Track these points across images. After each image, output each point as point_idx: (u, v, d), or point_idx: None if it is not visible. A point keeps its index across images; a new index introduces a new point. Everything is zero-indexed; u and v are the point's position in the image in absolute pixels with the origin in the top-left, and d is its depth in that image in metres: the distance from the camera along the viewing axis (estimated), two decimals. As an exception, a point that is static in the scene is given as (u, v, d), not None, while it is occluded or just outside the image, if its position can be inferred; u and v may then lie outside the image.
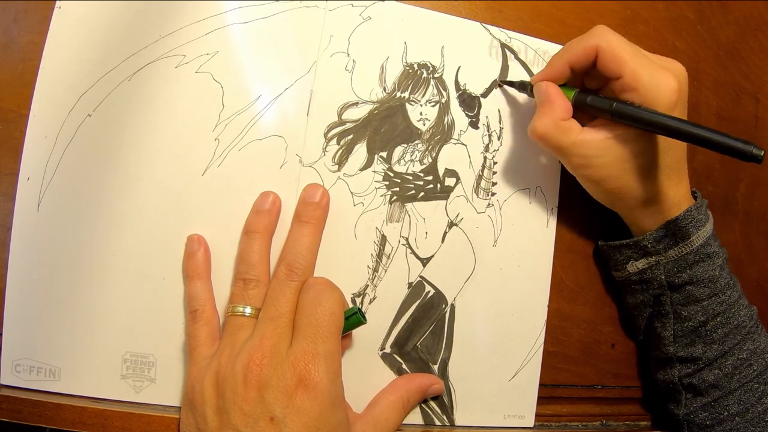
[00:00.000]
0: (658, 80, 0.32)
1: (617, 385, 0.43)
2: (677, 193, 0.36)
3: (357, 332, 0.36)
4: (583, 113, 0.35)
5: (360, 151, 0.37)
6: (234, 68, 0.36)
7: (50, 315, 0.34)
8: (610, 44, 0.33)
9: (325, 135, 0.37)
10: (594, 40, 0.34)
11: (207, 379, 0.30)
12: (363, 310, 0.36)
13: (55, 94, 0.34)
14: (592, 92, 0.36)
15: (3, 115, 0.34)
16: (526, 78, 0.40)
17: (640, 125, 0.32)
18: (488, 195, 0.39)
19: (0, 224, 0.34)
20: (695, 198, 0.38)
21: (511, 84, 0.39)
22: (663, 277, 0.37)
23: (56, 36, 0.34)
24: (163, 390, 0.34)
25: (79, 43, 0.34)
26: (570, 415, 0.41)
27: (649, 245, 0.37)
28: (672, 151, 0.35)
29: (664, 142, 0.34)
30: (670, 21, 0.46)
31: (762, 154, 0.28)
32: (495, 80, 0.40)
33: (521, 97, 0.40)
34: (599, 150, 0.34)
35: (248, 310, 0.33)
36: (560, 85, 0.36)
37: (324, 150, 0.37)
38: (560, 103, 0.34)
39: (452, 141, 0.39)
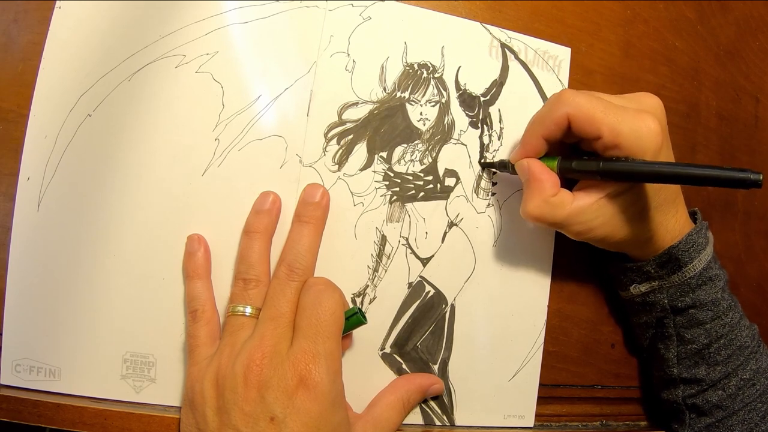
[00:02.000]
0: (638, 129, 0.32)
1: (617, 385, 0.43)
2: (675, 225, 0.36)
3: (357, 332, 0.36)
4: (571, 177, 0.35)
5: (360, 151, 0.37)
6: (234, 68, 0.36)
7: (50, 315, 0.34)
8: (581, 108, 0.32)
9: (325, 135, 0.37)
10: (563, 108, 0.33)
11: (207, 379, 0.30)
12: (363, 310, 0.37)
13: (55, 94, 0.34)
14: (575, 152, 0.35)
15: (3, 115, 0.34)
16: (527, 82, 0.40)
17: (632, 179, 0.32)
18: (488, 195, 0.39)
19: (0, 224, 0.34)
20: (695, 220, 0.38)
21: (491, 165, 0.39)
22: (666, 301, 0.37)
23: (56, 36, 0.34)
24: (163, 390, 0.34)
25: (79, 43, 0.34)
26: (570, 415, 0.41)
27: (652, 270, 0.37)
28: (664, 189, 0.35)
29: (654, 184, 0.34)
30: (670, 21, 0.46)
31: (761, 178, 0.28)
32: (495, 80, 0.40)
33: (521, 97, 0.40)
34: (595, 212, 0.34)
35: (248, 310, 0.33)
36: (541, 157, 0.35)
37: (324, 150, 0.37)
38: (547, 178, 0.34)
39: (452, 141, 0.39)
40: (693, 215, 0.38)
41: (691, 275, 0.36)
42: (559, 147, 0.36)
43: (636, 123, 0.32)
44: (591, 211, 0.34)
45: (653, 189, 0.34)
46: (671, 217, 0.36)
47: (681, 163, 0.30)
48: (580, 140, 0.35)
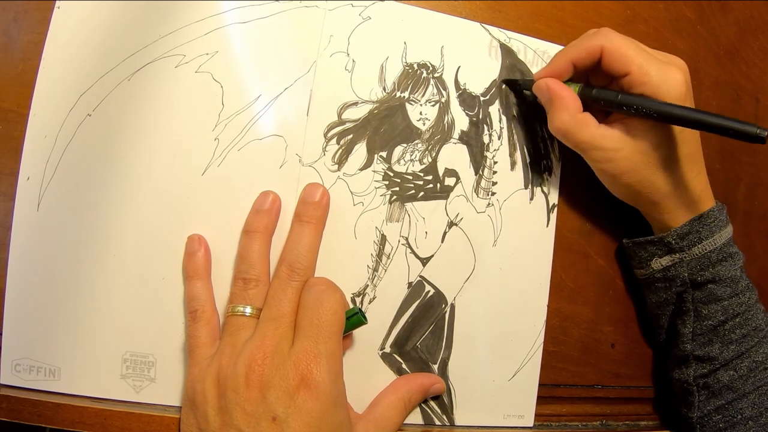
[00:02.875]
0: (666, 74, 0.33)
1: (617, 385, 0.43)
2: (698, 186, 0.36)
3: (357, 332, 0.36)
4: (590, 108, 0.36)
5: (360, 150, 0.37)
6: (234, 68, 0.36)
7: (50, 315, 0.34)
8: (615, 43, 0.34)
9: (325, 135, 0.37)
10: (599, 39, 0.34)
11: (208, 379, 0.30)
12: (363, 309, 0.37)
13: (55, 94, 0.34)
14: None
15: (3, 115, 0.34)
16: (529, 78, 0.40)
17: (646, 115, 0.33)
18: (488, 195, 0.39)
19: (0, 224, 0.34)
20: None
21: (514, 82, 0.40)
22: (686, 274, 0.37)
23: (56, 36, 0.34)
24: (163, 390, 0.34)
25: (79, 43, 0.34)
26: (570, 414, 0.41)
27: (674, 242, 0.37)
28: (688, 143, 0.35)
29: (681, 133, 0.35)
30: (670, 21, 0.46)
31: (765, 134, 0.29)
32: (495, 80, 0.40)
33: (522, 96, 0.40)
34: (618, 143, 0.35)
35: (248, 310, 0.33)
36: (565, 81, 0.36)
37: (324, 150, 0.37)
38: (567, 95, 0.35)
39: (452, 141, 0.39)
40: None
41: (712, 249, 0.36)
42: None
43: (664, 69, 0.33)
44: (614, 140, 0.35)
45: (677, 141, 0.35)
46: (693, 176, 0.36)
47: (694, 108, 0.31)
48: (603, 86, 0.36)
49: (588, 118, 0.35)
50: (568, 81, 0.37)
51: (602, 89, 0.35)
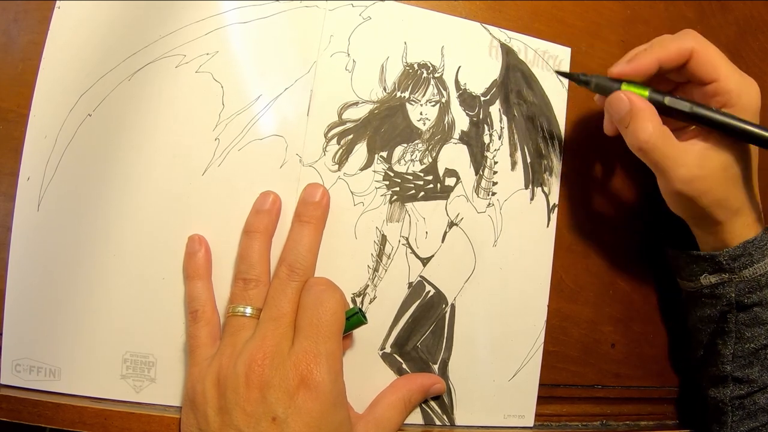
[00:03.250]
0: (748, 85, 0.33)
1: (617, 385, 0.43)
2: (758, 204, 0.36)
3: (357, 332, 0.36)
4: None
5: (360, 150, 0.37)
6: (234, 68, 0.36)
7: (50, 315, 0.34)
8: (706, 48, 0.33)
9: (325, 135, 0.37)
10: (690, 42, 0.33)
11: (208, 380, 0.30)
12: (363, 309, 0.37)
13: (55, 94, 0.34)
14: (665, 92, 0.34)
15: (3, 115, 0.34)
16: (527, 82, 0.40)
17: (723, 129, 0.32)
18: (488, 195, 0.39)
19: (0, 224, 0.34)
20: None
21: (568, 75, 0.38)
22: (733, 295, 0.37)
23: (56, 36, 0.34)
24: (163, 390, 0.34)
25: (79, 43, 0.34)
26: (570, 414, 0.41)
27: (725, 262, 0.36)
28: (755, 158, 0.35)
29: (754, 149, 0.34)
30: (670, 21, 0.46)
31: None
32: (495, 79, 0.40)
33: (522, 95, 0.40)
34: (701, 160, 0.33)
35: (248, 311, 0.33)
36: (629, 83, 0.34)
37: (324, 150, 0.37)
38: (649, 106, 0.32)
39: (452, 141, 0.39)
40: None
41: (762, 272, 0.36)
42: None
43: (745, 80, 0.33)
44: (698, 156, 0.33)
45: (747, 157, 0.34)
46: (757, 192, 0.36)
47: None
48: (677, 87, 0.35)
49: (670, 131, 0.32)
50: (631, 83, 0.33)
51: (675, 97, 0.32)
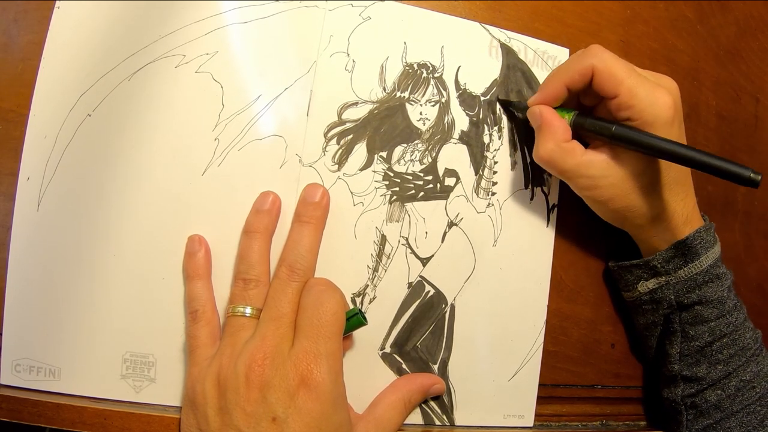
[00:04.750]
0: (654, 97, 0.33)
1: (617, 385, 0.43)
2: (684, 209, 0.36)
3: (357, 332, 0.36)
4: (582, 135, 0.36)
5: (360, 150, 0.37)
6: (234, 68, 0.36)
7: (50, 315, 0.34)
8: (606, 63, 0.33)
9: (325, 135, 0.37)
10: (589, 59, 0.34)
11: (208, 380, 0.30)
12: (363, 309, 0.37)
13: (55, 94, 0.34)
14: (589, 114, 0.36)
15: (3, 115, 0.34)
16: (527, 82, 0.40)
17: (640, 149, 0.32)
18: (488, 195, 0.39)
19: (0, 224, 0.34)
20: (704, 220, 0.38)
21: (508, 103, 0.39)
22: (672, 297, 0.37)
23: (56, 36, 0.34)
24: (163, 390, 0.34)
25: (79, 43, 0.34)
26: (570, 414, 0.41)
27: (659, 265, 0.37)
28: (675, 167, 0.35)
29: None
30: (670, 21, 0.46)
31: (759, 178, 0.29)
32: (495, 79, 0.40)
33: (522, 95, 0.40)
34: (604, 170, 0.34)
35: (248, 311, 0.33)
36: (558, 107, 0.36)
37: (324, 150, 0.37)
38: (558, 124, 0.35)
39: (452, 141, 0.39)
40: (702, 218, 0.38)
41: (698, 271, 0.36)
42: (575, 106, 0.37)
43: (653, 91, 0.33)
44: (600, 167, 0.34)
45: (664, 165, 0.35)
46: (680, 199, 0.36)
47: (689, 146, 0.31)
48: (594, 105, 0.36)
49: (574, 146, 0.35)
50: (562, 107, 0.36)
51: (595, 120, 0.34)
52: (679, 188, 0.36)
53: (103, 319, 0.34)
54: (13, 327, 0.33)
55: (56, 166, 0.34)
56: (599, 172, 0.34)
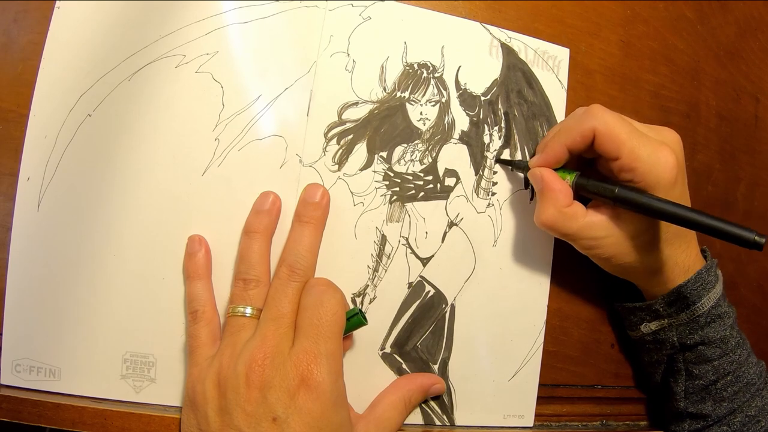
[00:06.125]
0: (656, 158, 0.33)
1: (617, 385, 0.43)
2: (686, 260, 0.36)
3: (357, 332, 0.36)
4: (584, 195, 0.35)
5: (360, 151, 0.37)
6: (234, 68, 0.36)
7: (50, 315, 0.34)
8: (608, 126, 0.33)
9: (325, 135, 0.37)
10: (591, 122, 0.33)
11: (209, 380, 0.30)
12: (363, 309, 0.37)
13: (55, 94, 0.34)
14: (591, 171, 0.36)
15: (3, 115, 0.34)
16: (528, 82, 0.40)
17: (643, 211, 0.32)
18: (488, 195, 0.39)
19: (0, 224, 0.34)
20: (705, 257, 0.38)
21: (508, 162, 0.39)
22: (675, 338, 0.37)
23: (56, 36, 0.34)
24: (163, 390, 0.34)
25: (79, 43, 0.34)
26: (570, 414, 0.41)
27: (661, 309, 0.37)
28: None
29: None
30: (670, 21, 0.46)
31: (763, 241, 0.28)
32: (496, 79, 0.40)
33: (522, 95, 0.40)
34: (605, 230, 0.34)
35: (249, 311, 0.33)
36: (558, 168, 0.36)
37: (324, 150, 0.37)
38: (560, 188, 0.35)
39: (452, 141, 0.39)
40: (703, 252, 0.39)
41: (700, 313, 0.36)
42: (576, 161, 0.37)
43: (655, 152, 0.33)
44: (602, 228, 0.34)
45: (663, 222, 0.34)
46: (681, 251, 0.36)
47: (691, 209, 0.31)
48: (597, 158, 0.36)
49: (576, 209, 0.34)
50: (564, 168, 0.36)
51: (597, 182, 0.34)
52: (681, 241, 0.36)
53: (103, 319, 0.34)
54: (13, 327, 0.33)
55: (56, 166, 0.34)
56: (601, 233, 0.34)
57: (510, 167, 0.39)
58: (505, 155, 0.40)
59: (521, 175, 0.39)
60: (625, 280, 0.39)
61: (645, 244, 0.35)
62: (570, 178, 0.35)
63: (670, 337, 0.37)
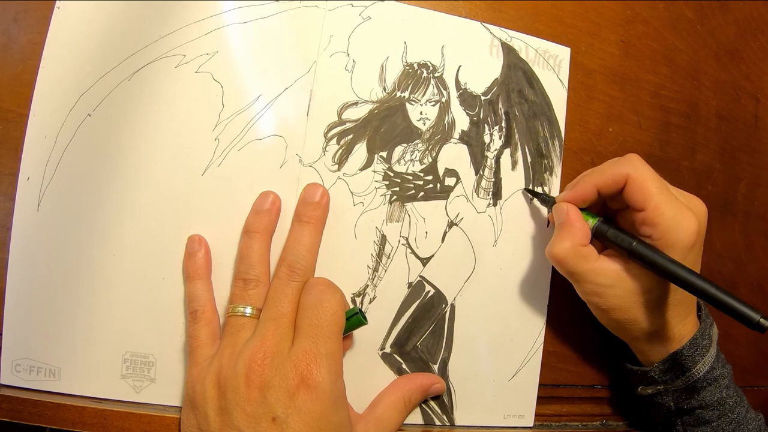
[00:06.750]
0: (679, 220, 0.33)
1: (617, 385, 0.43)
2: (683, 329, 0.36)
3: (357, 332, 0.36)
4: (600, 242, 0.35)
5: (360, 150, 0.37)
6: (234, 68, 0.36)
7: (50, 315, 0.34)
8: (640, 175, 0.33)
9: (325, 135, 0.37)
10: (626, 168, 0.34)
11: (209, 380, 0.30)
12: (363, 309, 0.37)
13: (55, 94, 0.34)
14: (612, 221, 0.36)
15: (3, 115, 0.34)
16: (528, 81, 0.40)
17: (655, 270, 0.32)
18: (488, 195, 0.39)
19: (0, 224, 0.34)
20: (699, 314, 0.38)
21: (536, 194, 0.39)
22: (672, 403, 0.37)
23: (56, 36, 0.34)
24: (163, 390, 0.34)
25: (79, 43, 0.34)
26: (570, 414, 0.41)
27: (656, 376, 0.37)
28: (683, 290, 0.34)
29: None
30: (670, 21, 0.46)
31: (767, 325, 0.28)
32: (496, 78, 0.40)
33: (523, 94, 0.40)
34: (612, 280, 0.34)
35: (248, 311, 0.33)
36: (583, 209, 0.36)
37: (324, 150, 0.37)
38: (581, 227, 0.35)
39: (452, 140, 0.39)
40: (698, 310, 0.38)
41: (696, 378, 0.36)
42: (600, 210, 0.37)
43: (680, 214, 0.33)
44: (610, 276, 0.34)
45: (672, 286, 0.34)
46: (680, 319, 0.36)
47: (704, 278, 0.31)
48: (620, 211, 0.36)
49: (589, 251, 0.34)
50: (587, 210, 0.36)
51: (617, 232, 0.34)
52: (682, 309, 0.35)
53: (103, 319, 0.34)
54: (13, 327, 0.33)
55: (56, 166, 0.34)
56: (608, 282, 0.34)
57: (535, 197, 0.39)
58: (506, 155, 0.40)
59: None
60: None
61: (648, 304, 0.34)
62: (592, 221, 0.35)
63: (666, 402, 0.37)
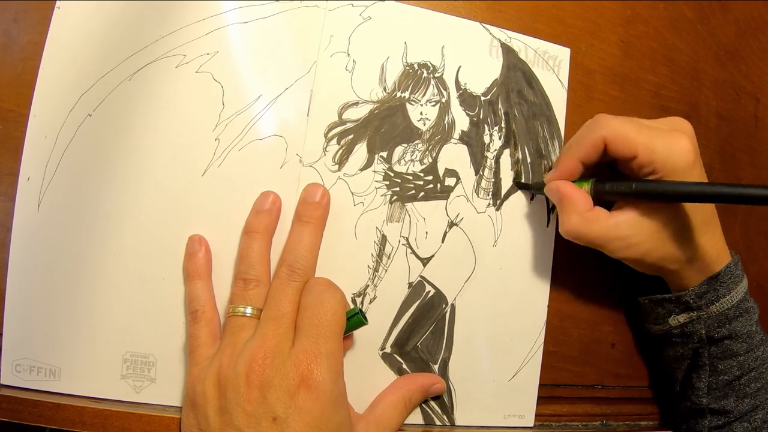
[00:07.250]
0: (671, 145, 0.33)
1: (617, 384, 0.43)
2: (714, 247, 0.36)
3: (357, 332, 0.36)
4: (604, 200, 0.35)
5: (360, 150, 0.37)
6: (234, 68, 0.36)
7: (50, 315, 0.34)
8: (615, 130, 0.33)
9: (326, 135, 0.37)
10: (599, 131, 0.34)
11: (209, 380, 0.30)
12: (363, 309, 0.37)
13: (55, 94, 0.34)
14: (606, 176, 0.36)
15: (3, 115, 0.34)
16: (528, 82, 0.40)
17: (665, 198, 0.33)
18: (488, 195, 0.39)
19: (0, 224, 0.34)
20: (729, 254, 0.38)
21: (526, 186, 0.39)
22: (703, 331, 0.37)
23: (56, 36, 0.34)
24: (163, 390, 0.34)
25: (79, 43, 0.34)
26: (570, 414, 0.41)
27: (692, 301, 0.37)
28: (700, 209, 0.35)
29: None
30: (670, 21, 0.46)
31: None
32: (496, 79, 0.40)
33: (523, 95, 0.40)
34: (632, 228, 0.34)
35: (249, 311, 0.33)
36: (574, 180, 0.36)
37: (324, 150, 0.37)
38: (578, 196, 0.35)
39: (452, 141, 0.39)
40: None
41: (729, 306, 0.36)
42: (593, 168, 0.37)
43: (669, 141, 0.33)
44: (628, 226, 0.34)
45: (690, 209, 0.35)
46: (709, 238, 0.36)
47: (711, 183, 0.31)
48: (614, 161, 0.36)
49: (598, 213, 0.35)
50: (578, 180, 0.36)
51: (615, 182, 0.34)
52: (708, 228, 0.36)
53: (103, 319, 0.34)
54: (13, 327, 0.33)
55: (56, 166, 0.34)
56: (629, 231, 0.34)
57: (528, 190, 0.39)
58: (505, 155, 0.40)
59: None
60: (642, 278, 0.39)
61: (674, 234, 0.35)
62: (587, 186, 0.35)
63: (698, 330, 0.37)
